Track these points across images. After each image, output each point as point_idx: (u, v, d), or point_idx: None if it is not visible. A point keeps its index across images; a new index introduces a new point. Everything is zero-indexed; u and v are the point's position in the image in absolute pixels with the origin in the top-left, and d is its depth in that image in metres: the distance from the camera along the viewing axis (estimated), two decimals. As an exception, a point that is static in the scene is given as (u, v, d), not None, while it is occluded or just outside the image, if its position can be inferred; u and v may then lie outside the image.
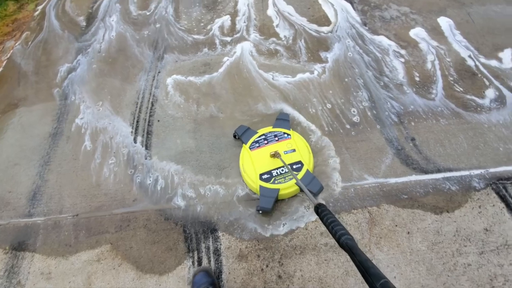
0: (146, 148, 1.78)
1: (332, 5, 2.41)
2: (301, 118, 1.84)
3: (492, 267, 1.34)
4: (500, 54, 1.99)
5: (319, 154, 1.69)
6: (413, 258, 1.38)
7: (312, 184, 1.51)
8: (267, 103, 1.91)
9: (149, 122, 1.89)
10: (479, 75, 1.91)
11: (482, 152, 1.64)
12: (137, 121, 1.90)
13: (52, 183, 1.73)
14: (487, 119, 1.74)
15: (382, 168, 1.62)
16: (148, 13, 2.55)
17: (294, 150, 1.62)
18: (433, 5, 2.33)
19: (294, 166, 1.56)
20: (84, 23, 2.56)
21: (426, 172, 1.60)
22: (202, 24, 2.41)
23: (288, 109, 1.88)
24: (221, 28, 2.36)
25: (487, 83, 1.88)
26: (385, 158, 1.65)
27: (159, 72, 2.14)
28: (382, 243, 1.42)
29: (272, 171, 1.56)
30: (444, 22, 2.20)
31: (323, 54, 2.12)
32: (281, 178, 1.53)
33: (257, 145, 1.66)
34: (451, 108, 1.80)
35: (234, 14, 2.45)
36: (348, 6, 2.39)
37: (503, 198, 1.50)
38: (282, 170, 1.56)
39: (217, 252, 1.44)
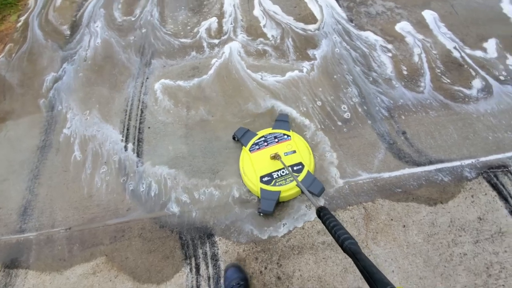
0: (138, 156, 1.76)
1: (318, 2, 2.41)
2: (293, 113, 1.84)
3: (487, 255, 1.35)
4: (485, 44, 2.02)
5: (315, 149, 1.69)
6: (410, 251, 1.39)
7: (314, 186, 1.49)
8: (257, 102, 1.91)
9: (139, 129, 1.86)
10: (465, 66, 1.93)
11: (472, 142, 1.66)
12: (127, 129, 1.87)
13: (42, 197, 1.70)
14: (475, 109, 1.77)
15: (375, 163, 1.63)
16: (133, 19, 2.52)
17: (294, 152, 1.60)
18: (417, -2, 2.35)
19: (295, 168, 1.55)
20: (68, 32, 2.52)
21: (418, 164, 1.61)
22: (188, 27, 2.39)
23: (280, 105, 1.88)
24: (208, 30, 2.34)
25: (473, 73, 1.90)
26: (377, 153, 1.66)
27: (147, 78, 2.11)
28: (379, 238, 1.43)
29: (273, 173, 1.54)
30: (429, 15, 2.22)
31: (311, 52, 2.12)
32: (282, 180, 1.52)
33: (257, 147, 1.65)
34: (439, 100, 1.82)
35: (220, 16, 2.43)
36: (334, 3, 2.40)
37: (494, 187, 1.52)
38: (283, 172, 1.54)
39: (214, 258, 1.42)
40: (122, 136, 1.85)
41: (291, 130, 1.70)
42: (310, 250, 1.41)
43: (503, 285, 1.29)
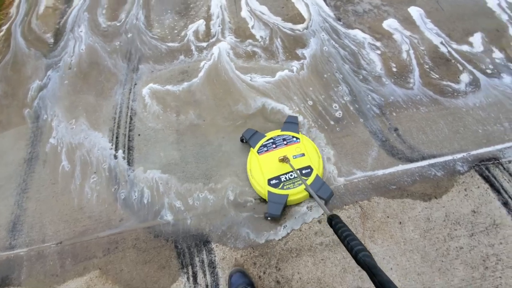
0: (129, 164, 1.72)
1: (305, 2, 2.41)
2: (286, 109, 1.83)
3: (483, 248, 1.37)
4: (471, 39, 2.05)
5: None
6: (407, 247, 1.39)
7: (322, 190, 1.46)
8: (248, 103, 1.89)
9: (129, 137, 1.82)
10: (453, 61, 1.96)
11: (463, 136, 1.68)
12: (117, 137, 1.83)
13: (31, 211, 1.64)
14: (464, 103, 1.79)
15: (369, 161, 1.63)
16: (118, 24, 2.47)
17: (303, 155, 1.58)
18: (402, -5, 2.37)
19: (303, 171, 1.52)
20: (52, 40, 2.45)
21: (411, 160, 1.62)
22: (175, 31, 2.36)
23: (271, 103, 1.87)
24: (196, 33, 2.32)
25: (460, 68, 1.93)
26: (371, 151, 1.66)
27: (135, 84, 2.07)
28: (376, 236, 1.43)
29: (281, 176, 1.52)
30: (415, 12, 2.24)
31: (300, 51, 2.11)
32: (290, 184, 1.49)
33: (265, 149, 1.62)
34: (429, 95, 1.83)
35: (208, 18, 2.41)
36: (321, 2, 2.40)
37: (486, 179, 1.54)
38: (291, 175, 1.51)
39: (212, 265, 1.40)
40: (112, 145, 1.81)
41: (300, 133, 1.67)
42: (308, 252, 1.40)
43: (500, 277, 1.30)
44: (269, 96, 1.91)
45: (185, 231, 1.49)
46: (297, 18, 2.32)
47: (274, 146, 1.62)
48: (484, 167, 1.57)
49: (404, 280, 1.32)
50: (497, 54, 1.97)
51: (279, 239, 1.44)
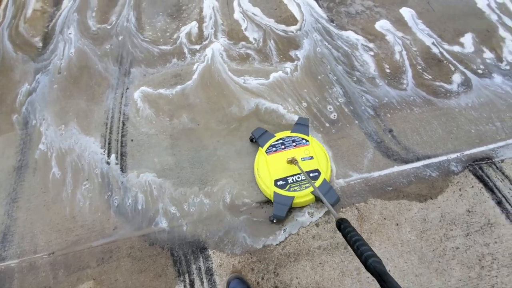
0: (122, 171, 1.69)
1: (298, 3, 2.40)
2: (280, 109, 1.83)
3: (479, 248, 1.38)
4: (462, 39, 2.07)
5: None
6: (404, 249, 1.40)
7: (329, 195, 1.45)
8: (241, 105, 1.88)
9: (122, 143, 1.79)
10: (445, 62, 1.98)
11: (456, 136, 1.69)
12: (109, 143, 1.79)
13: (22, 221, 1.60)
14: (457, 104, 1.80)
15: (365, 163, 1.63)
16: (108, 27, 2.43)
17: (311, 158, 1.56)
18: (394, -4, 2.39)
19: (311, 174, 1.51)
20: (40, 44, 2.40)
21: (406, 162, 1.63)
22: (168, 34, 2.33)
23: (265, 103, 1.87)
24: (189, 36, 2.29)
25: (452, 68, 1.94)
26: (366, 153, 1.66)
27: (127, 89, 2.03)
28: (374, 238, 1.43)
29: (288, 178, 1.51)
30: (407, 13, 2.26)
31: (294, 53, 2.11)
32: (296, 186, 1.48)
33: (273, 149, 1.60)
34: (422, 96, 1.85)
35: (200, 21, 2.38)
36: (314, 3, 2.40)
37: (480, 179, 1.55)
38: (298, 178, 1.50)
39: (209, 272, 1.38)
40: (104, 151, 1.77)
41: (310, 135, 1.66)
42: (306, 256, 1.39)
43: (496, 276, 1.31)
44: (263, 96, 1.90)
45: (181, 238, 1.47)
46: (290, 20, 2.31)
47: (283, 147, 1.61)
48: (477, 167, 1.59)
49: (402, 282, 1.32)
50: (488, 54, 1.99)
51: (277, 244, 1.43)
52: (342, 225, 0.90)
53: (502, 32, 2.09)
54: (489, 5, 2.24)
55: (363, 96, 1.87)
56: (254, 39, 2.22)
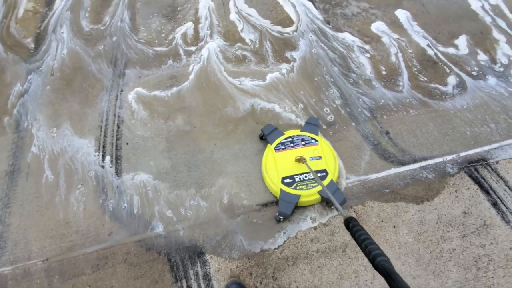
0: (117, 175, 1.66)
1: (294, 5, 2.40)
2: (276, 107, 1.83)
3: (475, 249, 1.39)
4: (456, 41, 2.09)
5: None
6: (402, 251, 1.40)
7: (336, 196, 1.44)
8: (236, 106, 1.87)
9: (116, 146, 1.76)
10: (440, 64, 1.99)
11: (452, 138, 1.71)
12: (104, 147, 1.76)
13: (15, 227, 1.56)
14: (452, 105, 1.82)
15: (362, 165, 1.63)
16: (102, 28, 2.39)
17: (320, 158, 1.57)
18: (389, -2, 2.40)
19: (319, 175, 1.51)
20: (32, 45, 2.35)
21: (403, 164, 1.63)
22: (163, 35, 2.30)
23: (260, 103, 1.87)
24: (184, 37, 2.27)
25: (447, 70, 1.96)
26: (364, 155, 1.66)
27: (121, 91, 2.00)
28: (371, 241, 1.43)
29: (295, 176, 1.51)
30: (402, 14, 2.27)
31: (290, 54, 2.10)
32: (303, 185, 1.48)
33: (282, 147, 1.60)
34: (418, 98, 1.86)
35: (196, 22, 2.36)
36: (310, 4, 2.39)
37: (475, 180, 1.57)
38: (306, 177, 1.51)
39: (207, 277, 1.37)
40: (99, 155, 1.74)
41: (319, 135, 1.66)
42: (304, 259, 1.39)
43: (492, 277, 1.32)
44: (259, 96, 1.89)
45: (178, 243, 1.45)
46: (286, 21, 2.30)
47: (292, 145, 1.61)
48: (473, 168, 1.60)
49: (400, 284, 1.32)
50: (482, 56, 2.01)
51: (275, 248, 1.42)
52: (351, 224, 0.90)
53: (496, 34, 2.11)
54: (483, 7, 2.27)
55: (360, 98, 1.87)
56: (251, 40, 2.21)
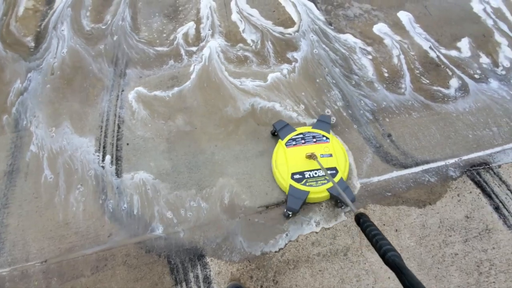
0: (117, 176, 1.65)
1: (296, 5, 2.39)
2: (276, 106, 1.82)
3: (477, 254, 1.38)
4: (458, 44, 2.08)
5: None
6: (403, 255, 1.39)
7: (345, 194, 1.45)
8: (237, 106, 1.86)
9: (117, 146, 1.75)
10: (442, 66, 1.98)
11: (454, 141, 1.70)
12: (104, 147, 1.75)
13: (13, 227, 1.54)
14: (455, 108, 1.81)
15: (364, 168, 1.62)
16: (103, 27, 2.38)
17: (331, 155, 1.57)
18: (391, 0, 2.39)
19: (329, 172, 1.50)
20: (32, 44, 2.33)
21: (405, 167, 1.62)
22: (164, 35, 2.29)
23: (260, 102, 1.86)
24: (185, 37, 2.25)
25: (450, 73, 1.95)
26: (366, 158, 1.65)
27: (122, 91, 1.99)
28: (373, 245, 1.42)
29: (305, 173, 1.51)
30: (404, 16, 2.26)
31: (292, 55, 2.09)
32: (313, 181, 1.48)
33: (293, 143, 1.61)
34: (420, 100, 1.85)
35: (197, 22, 2.35)
36: (312, 6, 2.38)
37: (478, 184, 1.56)
38: (315, 173, 1.51)
39: (207, 280, 1.35)
40: (99, 155, 1.73)
41: (331, 133, 1.66)
42: (305, 263, 1.38)
43: (493, 282, 1.32)
44: (259, 96, 1.88)
45: (178, 245, 1.44)
46: (288, 22, 2.29)
47: (303, 141, 1.62)
48: (475, 172, 1.59)
49: (402, 289, 1.32)
50: (484, 59, 2.01)
51: (276, 251, 1.41)
52: (361, 219, 0.91)
53: (498, 37, 2.11)
54: (485, 10, 2.26)
55: (362, 100, 1.87)
56: (252, 41, 2.20)
